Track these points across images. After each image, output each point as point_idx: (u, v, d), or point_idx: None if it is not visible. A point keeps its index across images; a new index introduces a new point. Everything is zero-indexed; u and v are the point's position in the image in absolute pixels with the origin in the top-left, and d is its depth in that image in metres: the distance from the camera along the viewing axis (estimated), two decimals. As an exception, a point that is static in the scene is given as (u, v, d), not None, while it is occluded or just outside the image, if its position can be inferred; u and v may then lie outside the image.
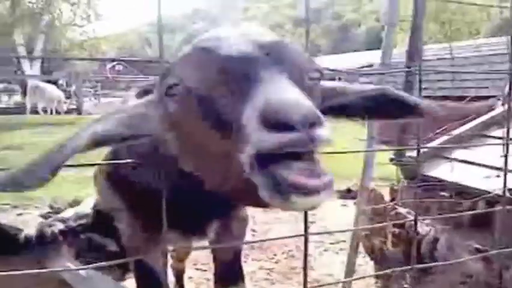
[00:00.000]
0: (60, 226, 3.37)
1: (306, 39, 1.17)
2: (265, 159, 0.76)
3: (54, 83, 18.89)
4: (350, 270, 2.85)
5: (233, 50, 0.89)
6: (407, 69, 3.19)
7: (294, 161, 0.76)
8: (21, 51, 20.79)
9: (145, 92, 1.33)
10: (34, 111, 15.61)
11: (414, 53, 2.87)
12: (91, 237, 3.43)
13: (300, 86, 0.85)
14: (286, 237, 3.18)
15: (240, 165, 0.80)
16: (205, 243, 1.83)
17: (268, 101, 0.76)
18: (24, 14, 20.44)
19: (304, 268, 1.27)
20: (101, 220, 3.33)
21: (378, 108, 1.22)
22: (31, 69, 20.31)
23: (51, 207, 4.63)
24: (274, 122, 0.74)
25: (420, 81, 1.55)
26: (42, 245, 3.17)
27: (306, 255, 1.25)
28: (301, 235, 1.25)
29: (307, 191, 0.75)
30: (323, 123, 0.77)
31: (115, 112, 1.07)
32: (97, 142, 0.98)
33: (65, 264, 3.02)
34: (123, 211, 1.65)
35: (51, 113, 15.92)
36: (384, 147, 4.95)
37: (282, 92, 0.78)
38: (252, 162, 0.78)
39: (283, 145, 0.74)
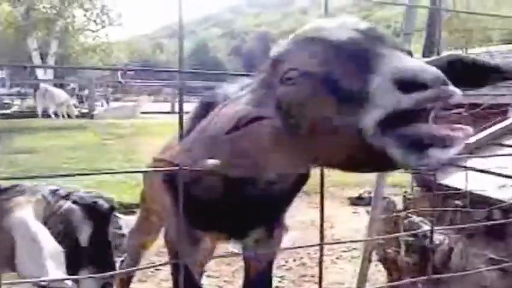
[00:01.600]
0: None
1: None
2: (390, 123, 0.81)
3: (61, 86, 19.05)
4: (363, 279, 2.82)
5: (343, 36, 0.95)
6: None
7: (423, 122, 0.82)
8: (35, 55, 21.05)
9: (207, 104, 1.43)
10: (46, 115, 15.74)
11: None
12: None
13: None
14: (302, 247, 3.15)
15: (365, 131, 0.84)
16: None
17: (399, 67, 0.81)
18: (38, 18, 20.70)
19: (320, 278, 1.26)
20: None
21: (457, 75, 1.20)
22: (45, 73, 20.54)
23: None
24: (410, 82, 0.78)
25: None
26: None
27: (321, 265, 1.24)
28: (317, 245, 1.24)
29: (448, 143, 0.80)
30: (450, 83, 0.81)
31: (237, 97, 1.17)
32: (238, 124, 1.10)
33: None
34: (173, 208, 1.65)
35: (62, 116, 16.04)
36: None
37: (408, 61, 0.84)
38: (378, 128, 0.82)
39: (424, 100, 0.78)
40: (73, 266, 1.99)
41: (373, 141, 0.83)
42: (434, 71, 0.79)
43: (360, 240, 2.68)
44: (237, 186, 1.24)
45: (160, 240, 2.67)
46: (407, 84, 0.78)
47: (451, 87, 0.80)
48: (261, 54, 1.17)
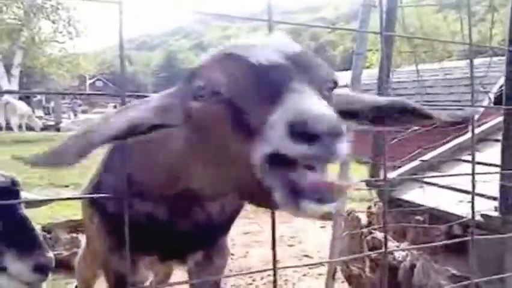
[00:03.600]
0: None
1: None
2: (281, 163, 0.79)
3: (27, 97, 18.58)
4: (327, 296, 2.81)
5: (263, 58, 0.92)
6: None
7: (308, 169, 0.79)
8: (-1, 66, 20.49)
9: None
10: (8, 127, 15.30)
11: (384, 78, 2.91)
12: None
13: (321, 95, 0.89)
14: (255, 272, 3.11)
15: (255, 167, 0.82)
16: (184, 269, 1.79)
17: (297, 110, 0.78)
18: (3, 29, 20.17)
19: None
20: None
21: (391, 116, 1.24)
22: (9, 84, 19.98)
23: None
24: (302, 131, 0.75)
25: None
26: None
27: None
28: (270, 269, 1.22)
29: (322, 198, 0.77)
30: (345, 136, 0.79)
31: (140, 103, 1.11)
32: (133, 128, 1.03)
33: None
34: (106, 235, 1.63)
35: (26, 129, 15.61)
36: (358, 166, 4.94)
37: (311, 103, 0.80)
38: (266, 164, 0.80)
39: (306, 157, 0.76)
40: None
41: (261, 178, 0.81)
42: (329, 121, 0.76)
43: (319, 263, 2.68)
44: (169, 211, 1.21)
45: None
46: (298, 131, 0.76)
47: (341, 145, 0.77)
48: None
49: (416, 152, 3.54)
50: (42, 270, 1.74)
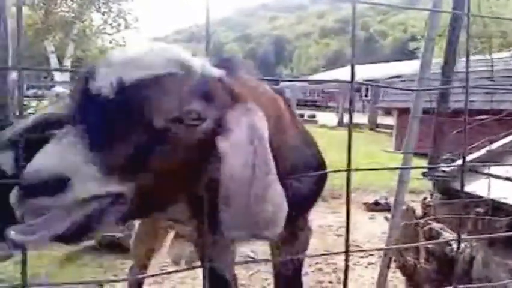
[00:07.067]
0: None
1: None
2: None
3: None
4: (381, 285, 2.79)
5: (95, 86, 0.91)
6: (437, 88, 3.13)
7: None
8: (52, 57, 21.33)
9: None
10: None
11: (449, 66, 2.82)
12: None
13: (135, 132, 0.88)
14: (330, 254, 3.12)
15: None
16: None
17: (31, 165, 0.82)
18: (56, 22, 20.99)
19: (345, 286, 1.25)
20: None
21: None
22: (61, 75, 20.80)
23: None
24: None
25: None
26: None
27: (346, 272, 1.23)
28: (342, 252, 1.23)
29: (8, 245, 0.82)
30: (66, 188, 0.81)
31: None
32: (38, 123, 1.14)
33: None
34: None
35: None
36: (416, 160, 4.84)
37: (43, 156, 0.83)
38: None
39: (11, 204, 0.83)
40: None
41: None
42: (30, 176, 0.79)
43: (386, 248, 2.65)
44: None
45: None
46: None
47: (35, 201, 0.80)
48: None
49: (478, 143, 3.43)
50: None
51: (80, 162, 0.82)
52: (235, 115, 0.99)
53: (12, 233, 0.81)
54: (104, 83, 0.89)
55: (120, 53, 0.97)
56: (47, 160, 0.81)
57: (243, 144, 0.95)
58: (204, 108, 0.96)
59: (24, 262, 0.96)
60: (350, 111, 1.26)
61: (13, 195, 0.81)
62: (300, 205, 1.59)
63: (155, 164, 0.90)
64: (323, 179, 1.61)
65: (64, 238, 0.82)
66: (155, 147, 0.89)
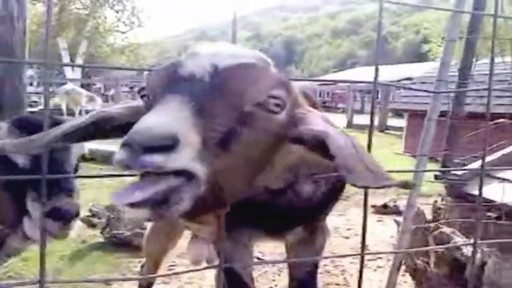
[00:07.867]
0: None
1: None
2: None
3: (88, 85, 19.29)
4: (390, 288, 2.77)
5: (185, 69, 0.96)
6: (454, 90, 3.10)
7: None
8: (65, 54, 21.52)
9: None
10: (71, 113, 16.05)
11: (467, 69, 2.79)
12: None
13: (227, 113, 0.91)
14: (344, 256, 3.11)
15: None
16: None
17: (139, 122, 0.82)
18: (70, 19, 21.16)
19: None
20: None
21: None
22: (73, 72, 20.97)
23: (90, 210, 4.75)
24: (123, 142, 0.80)
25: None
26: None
27: (361, 274, 1.23)
28: (357, 254, 1.22)
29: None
30: (173, 150, 0.78)
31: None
32: (101, 122, 1.14)
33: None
34: None
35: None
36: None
37: (151, 116, 0.83)
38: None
39: (117, 162, 0.79)
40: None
41: None
42: (144, 134, 0.77)
43: (400, 252, 2.63)
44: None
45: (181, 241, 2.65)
46: (123, 142, 0.80)
47: (150, 157, 0.77)
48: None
49: (493, 146, 3.40)
50: (60, 216, 1.52)
51: (190, 126, 0.83)
52: (309, 115, 1.07)
53: (112, 196, 0.80)
54: (197, 68, 0.95)
55: (205, 46, 1.05)
56: (161, 119, 0.81)
57: (338, 133, 1.01)
58: (286, 96, 1.02)
59: (42, 258, 0.97)
60: (372, 112, 1.26)
61: (118, 153, 0.79)
62: (323, 206, 1.59)
63: (236, 147, 0.92)
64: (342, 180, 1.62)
65: (144, 205, 0.79)
66: (240, 129, 0.93)
